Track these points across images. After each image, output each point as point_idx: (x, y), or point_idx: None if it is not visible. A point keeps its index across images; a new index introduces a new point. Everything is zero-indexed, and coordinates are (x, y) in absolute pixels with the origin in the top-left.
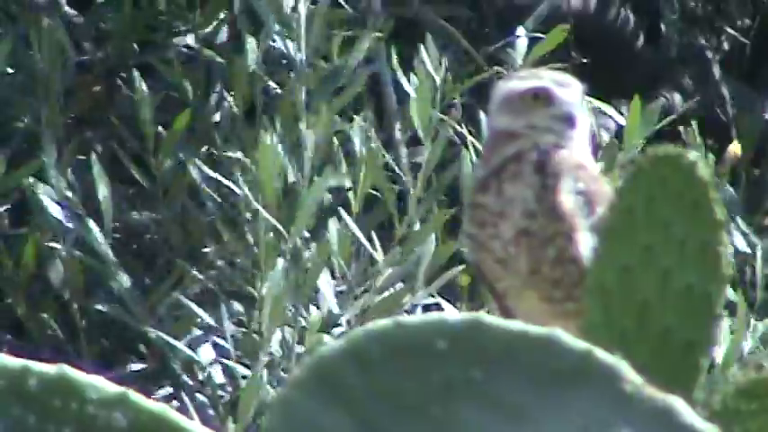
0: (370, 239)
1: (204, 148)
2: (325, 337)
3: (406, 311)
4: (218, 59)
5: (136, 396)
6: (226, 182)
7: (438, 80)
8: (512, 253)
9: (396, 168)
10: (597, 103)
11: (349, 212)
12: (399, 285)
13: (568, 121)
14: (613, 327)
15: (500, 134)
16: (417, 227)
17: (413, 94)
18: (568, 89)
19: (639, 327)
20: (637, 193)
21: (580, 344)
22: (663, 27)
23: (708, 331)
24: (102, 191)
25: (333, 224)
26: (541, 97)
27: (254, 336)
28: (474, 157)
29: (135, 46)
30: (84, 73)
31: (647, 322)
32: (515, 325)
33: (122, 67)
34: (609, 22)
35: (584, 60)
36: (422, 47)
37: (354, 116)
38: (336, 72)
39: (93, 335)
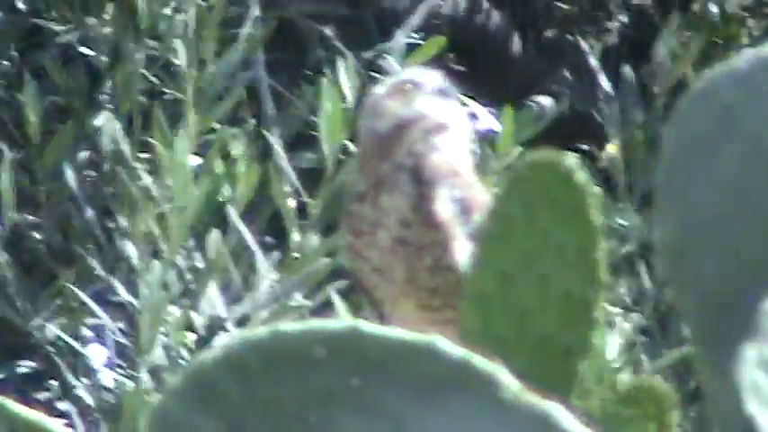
0: (264, 244)
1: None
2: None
3: (301, 315)
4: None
5: (12, 404)
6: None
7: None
8: (388, 262)
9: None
10: (474, 106)
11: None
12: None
13: (441, 93)
14: (491, 333)
15: (376, 141)
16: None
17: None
18: (433, 77)
19: (518, 333)
20: (515, 199)
21: (458, 351)
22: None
23: (586, 337)
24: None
25: (215, 233)
26: (408, 87)
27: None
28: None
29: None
30: None
31: (525, 329)
32: (394, 332)
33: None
34: (481, 27)
35: (461, 68)
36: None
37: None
38: (213, 77)
39: None
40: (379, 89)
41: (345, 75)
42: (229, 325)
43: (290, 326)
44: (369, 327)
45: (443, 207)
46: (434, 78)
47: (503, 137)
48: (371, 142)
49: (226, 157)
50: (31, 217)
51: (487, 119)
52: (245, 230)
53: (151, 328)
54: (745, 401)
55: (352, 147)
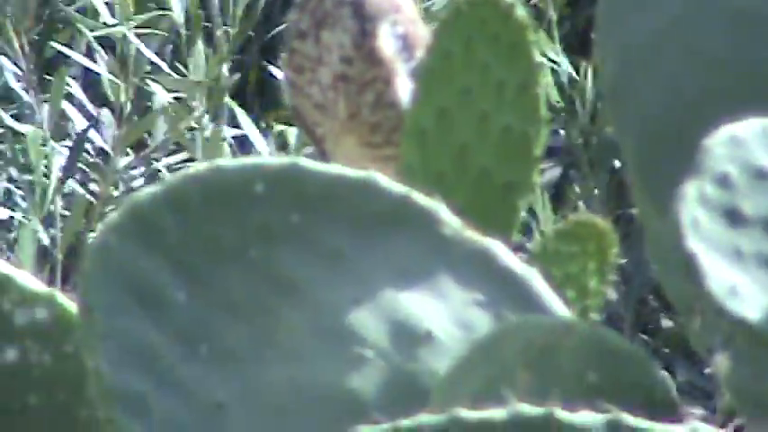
0: None
1: None
2: None
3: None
4: None
5: None
6: None
7: None
8: (330, 98)
9: None
10: None
11: None
12: None
13: None
14: (431, 169)
15: None
16: None
17: None
18: None
19: (457, 169)
20: (455, 36)
21: (398, 187)
22: None
23: (526, 173)
24: None
25: None
26: None
27: None
28: None
29: None
30: None
31: (464, 164)
32: (334, 168)
33: None
34: None
35: None
36: None
37: None
38: None
39: None
40: None
41: None
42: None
43: (229, 162)
44: (309, 163)
45: (385, 43)
46: None
47: None
48: None
49: None
50: None
51: None
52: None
53: None
54: (685, 238)
55: None
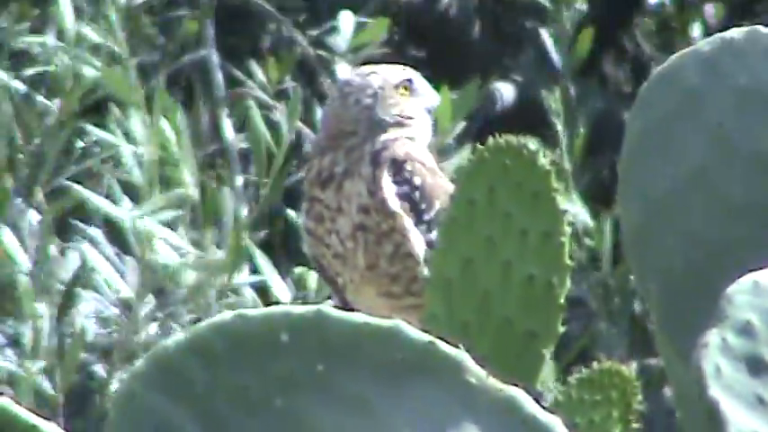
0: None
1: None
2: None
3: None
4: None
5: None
6: None
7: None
8: (349, 248)
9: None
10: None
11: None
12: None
13: (429, 112)
14: (455, 318)
15: (378, 126)
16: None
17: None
18: (425, 82)
19: (481, 318)
20: (477, 184)
21: (422, 336)
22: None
23: (550, 321)
24: None
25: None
26: (408, 88)
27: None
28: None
29: None
30: None
31: (488, 313)
32: (358, 317)
33: None
34: (440, 12)
35: (416, 52)
36: None
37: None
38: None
39: None
40: (360, 73)
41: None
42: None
43: (254, 310)
44: (333, 311)
45: (389, 194)
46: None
47: (441, 114)
48: (364, 123)
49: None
50: None
51: (432, 94)
52: None
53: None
54: (707, 387)
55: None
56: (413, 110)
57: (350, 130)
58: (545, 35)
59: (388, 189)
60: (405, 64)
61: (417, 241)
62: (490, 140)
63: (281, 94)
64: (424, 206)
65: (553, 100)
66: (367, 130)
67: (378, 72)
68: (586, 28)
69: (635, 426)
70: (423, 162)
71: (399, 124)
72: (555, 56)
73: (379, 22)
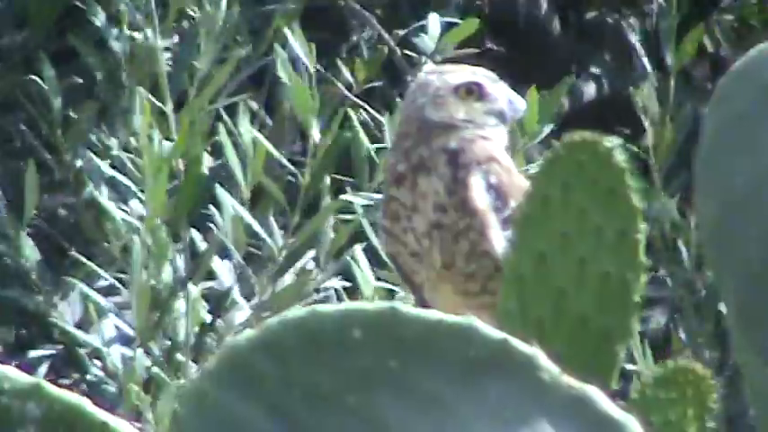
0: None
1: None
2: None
3: (316, 300)
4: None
5: (49, 386)
6: (111, 171)
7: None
8: (425, 246)
9: (282, 158)
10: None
11: (242, 201)
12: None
13: (500, 116)
14: (529, 315)
15: (426, 126)
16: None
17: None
18: (499, 85)
19: (555, 315)
20: (553, 180)
21: (496, 333)
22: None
23: (625, 320)
24: (30, 179)
25: (226, 212)
26: (474, 92)
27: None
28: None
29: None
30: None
31: (563, 311)
32: (431, 314)
33: (39, 52)
34: (523, 9)
35: (498, 49)
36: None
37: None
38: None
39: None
40: (443, 76)
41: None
42: (248, 305)
43: (327, 307)
44: (406, 308)
45: (478, 194)
46: (499, 80)
47: (528, 117)
48: (416, 123)
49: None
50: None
51: (518, 101)
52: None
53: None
54: None
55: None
56: (475, 114)
57: (405, 130)
58: (629, 30)
59: (477, 187)
60: (489, 64)
61: (498, 240)
62: (565, 137)
63: (368, 94)
64: (499, 204)
65: (642, 96)
66: (416, 130)
67: (441, 72)
68: (682, 27)
69: (710, 425)
70: (499, 160)
71: (450, 127)
72: (641, 51)
73: (468, 22)
